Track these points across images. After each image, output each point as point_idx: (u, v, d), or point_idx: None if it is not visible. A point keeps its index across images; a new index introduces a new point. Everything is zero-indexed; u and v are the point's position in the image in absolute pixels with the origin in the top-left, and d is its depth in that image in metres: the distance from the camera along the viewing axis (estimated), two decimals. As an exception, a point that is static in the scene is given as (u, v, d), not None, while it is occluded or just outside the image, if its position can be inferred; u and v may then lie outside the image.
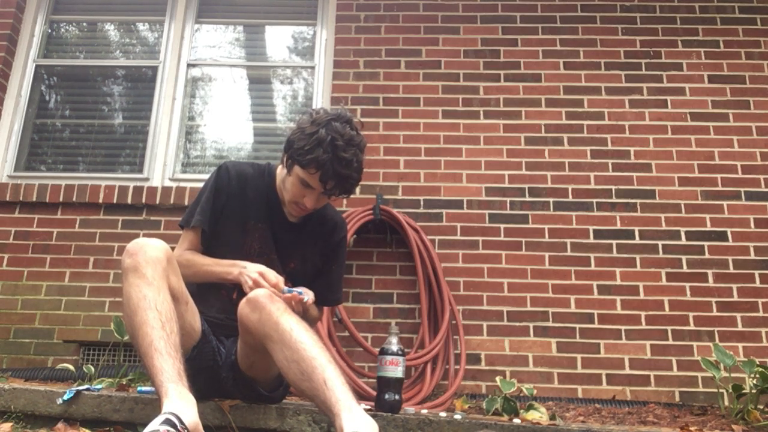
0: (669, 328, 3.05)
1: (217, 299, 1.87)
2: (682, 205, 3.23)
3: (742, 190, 3.24)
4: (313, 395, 1.45)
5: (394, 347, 1.99)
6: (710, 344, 2.85)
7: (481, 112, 3.42)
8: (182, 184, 3.41)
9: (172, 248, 1.71)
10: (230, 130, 3.71)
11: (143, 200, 3.30)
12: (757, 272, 3.12)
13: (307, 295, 1.74)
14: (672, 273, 3.13)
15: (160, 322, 1.47)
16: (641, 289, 3.11)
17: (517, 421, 1.92)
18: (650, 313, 3.08)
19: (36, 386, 1.89)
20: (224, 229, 1.89)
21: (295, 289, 1.74)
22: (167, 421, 1.27)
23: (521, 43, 3.53)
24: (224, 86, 3.78)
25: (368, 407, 1.92)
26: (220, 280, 1.81)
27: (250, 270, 1.74)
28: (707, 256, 3.15)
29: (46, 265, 3.27)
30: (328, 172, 1.74)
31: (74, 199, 3.32)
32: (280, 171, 1.92)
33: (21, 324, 3.18)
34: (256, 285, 1.70)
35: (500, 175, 3.31)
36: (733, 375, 2.63)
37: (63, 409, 1.70)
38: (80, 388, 1.74)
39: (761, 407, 2.50)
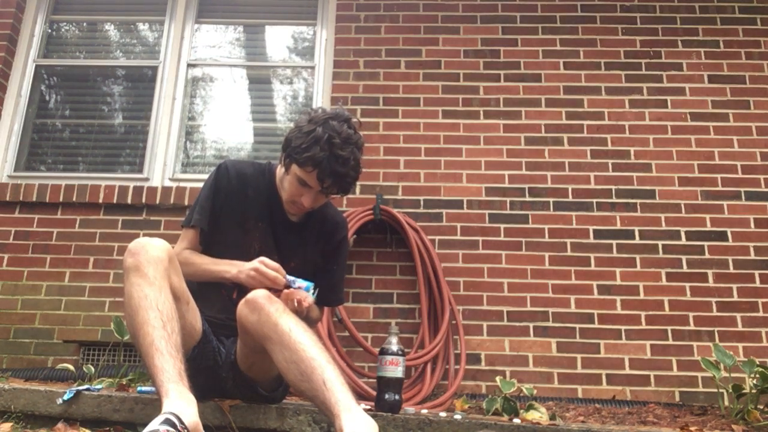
0: (669, 328, 3.05)
1: (217, 299, 1.87)
2: (682, 205, 3.23)
3: (742, 190, 3.24)
4: (312, 396, 1.45)
5: (394, 347, 2.00)
6: (710, 344, 2.84)
7: (481, 112, 3.42)
8: (182, 184, 3.41)
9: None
10: (230, 130, 3.71)
11: (143, 200, 3.30)
12: (757, 272, 3.11)
13: (307, 300, 1.73)
14: (672, 273, 3.13)
15: (162, 321, 1.47)
16: (641, 289, 3.11)
17: (517, 421, 1.92)
18: (650, 313, 3.08)
19: (36, 386, 1.89)
20: (224, 228, 1.89)
21: (297, 279, 1.73)
22: (167, 421, 1.27)
23: (521, 43, 3.53)
24: (224, 86, 3.78)
25: (368, 407, 1.92)
26: (217, 279, 1.81)
27: (248, 264, 1.74)
28: (707, 256, 3.15)
29: (46, 265, 3.26)
30: (325, 170, 1.74)
31: (74, 199, 3.32)
32: (280, 170, 1.92)
33: (21, 324, 3.18)
34: (258, 273, 1.69)
35: (500, 175, 3.31)
36: (733, 375, 2.63)
37: (63, 409, 1.70)
38: (80, 388, 1.74)
39: (761, 407, 2.50)
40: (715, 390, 2.74)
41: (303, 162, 1.75)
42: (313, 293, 1.77)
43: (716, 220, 3.20)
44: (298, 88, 3.82)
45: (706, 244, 3.17)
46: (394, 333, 2.04)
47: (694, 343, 3.02)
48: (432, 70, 3.50)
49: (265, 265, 1.71)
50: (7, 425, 1.63)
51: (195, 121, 3.72)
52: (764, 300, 3.07)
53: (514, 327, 3.08)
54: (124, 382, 2.41)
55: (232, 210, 1.89)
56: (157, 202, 3.29)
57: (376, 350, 2.13)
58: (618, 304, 3.10)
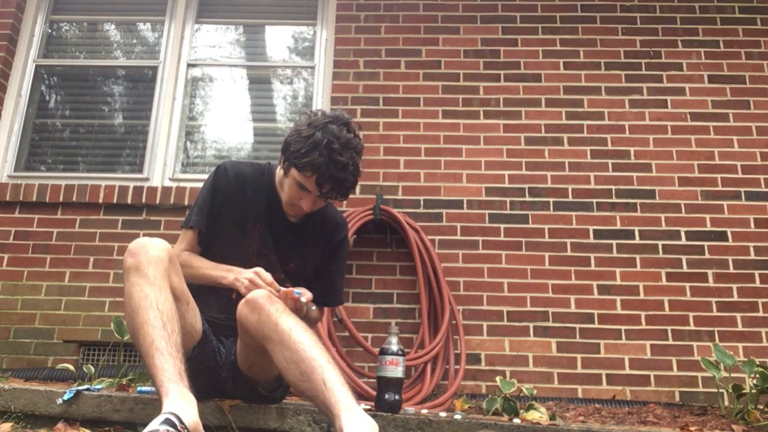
0: (669, 328, 3.05)
1: (216, 299, 1.87)
2: (682, 205, 3.23)
3: (742, 190, 3.24)
4: (312, 396, 1.45)
5: (394, 347, 2.00)
6: (710, 344, 2.85)
7: (481, 112, 3.42)
8: (182, 184, 3.41)
9: (173, 248, 1.70)
10: (230, 130, 3.71)
11: (143, 200, 3.30)
12: (757, 272, 3.12)
13: (305, 296, 1.73)
14: (672, 273, 3.13)
15: (162, 321, 1.47)
16: (641, 289, 3.11)
17: (517, 421, 1.92)
18: (650, 313, 3.08)
19: (36, 386, 1.89)
20: (223, 229, 1.88)
21: (292, 289, 1.73)
22: (167, 421, 1.27)
23: (521, 43, 3.53)
24: (224, 86, 3.78)
25: (368, 407, 1.92)
26: (215, 284, 1.81)
27: (245, 273, 1.74)
28: (707, 256, 3.15)
29: (46, 265, 3.26)
30: (324, 175, 1.74)
31: (74, 199, 3.32)
32: (279, 171, 1.91)
33: (21, 324, 3.18)
34: (253, 284, 1.70)
35: (500, 175, 3.31)
36: (733, 375, 2.63)
37: (63, 409, 1.70)
38: (80, 388, 1.73)
39: (761, 407, 2.50)
40: (715, 390, 2.74)
41: (302, 167, 1.75)
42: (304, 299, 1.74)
43: (716, 220, 3.20)
44: (298, 88, 3.82)
45: (706, 244, 3.17)
46: (394, 333, 2.04)
47: (694, 343, 3.02)
48: (432, 70, 3.50)
49: (260, 277, 1.71)
50: (7, 425, 1.63)
51: (195, 121, 3.72)
52: (764, 300, 3.07)
53: (514, 327, 3.08)
54: (124, 382, 2.41)
55: (231, 211, 1.89)
56: (157, 202, 3.29)
57: (376, 350, 2.13)
58: (618, 304, 3.10)
